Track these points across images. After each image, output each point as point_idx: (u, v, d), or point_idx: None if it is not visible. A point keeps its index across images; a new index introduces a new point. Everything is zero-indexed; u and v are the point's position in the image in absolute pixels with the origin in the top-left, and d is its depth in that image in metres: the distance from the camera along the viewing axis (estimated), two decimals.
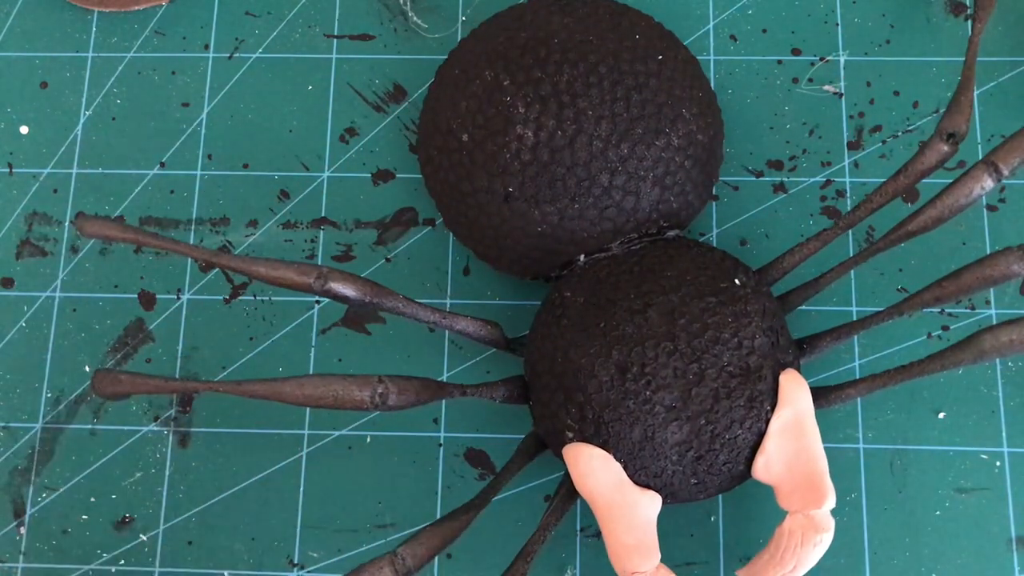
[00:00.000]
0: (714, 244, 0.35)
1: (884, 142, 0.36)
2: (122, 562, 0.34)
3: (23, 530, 0.34)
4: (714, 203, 0.36)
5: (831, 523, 0.28)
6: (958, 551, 0.32)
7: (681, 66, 0.33)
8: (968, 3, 0.37)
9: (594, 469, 0.28)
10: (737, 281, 0.30)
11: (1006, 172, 0.29)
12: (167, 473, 0.34)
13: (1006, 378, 0.33)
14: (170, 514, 0.34)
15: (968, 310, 0.34)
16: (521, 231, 0.31)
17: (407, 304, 0.30)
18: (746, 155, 0.36)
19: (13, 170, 0.37)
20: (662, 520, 0.32)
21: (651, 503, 0.29)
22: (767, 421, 0.28)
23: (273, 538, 0.33)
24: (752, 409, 0.28)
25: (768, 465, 0.29)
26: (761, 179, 0.36)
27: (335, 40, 0.38)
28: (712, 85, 0.36)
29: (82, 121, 0.37)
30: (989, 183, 0.29)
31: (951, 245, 0.35)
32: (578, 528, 0.33)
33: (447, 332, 0.35)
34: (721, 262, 0.30)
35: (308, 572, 0.33)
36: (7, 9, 0.39)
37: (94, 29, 0.38)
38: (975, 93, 0.36)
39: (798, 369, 0.29)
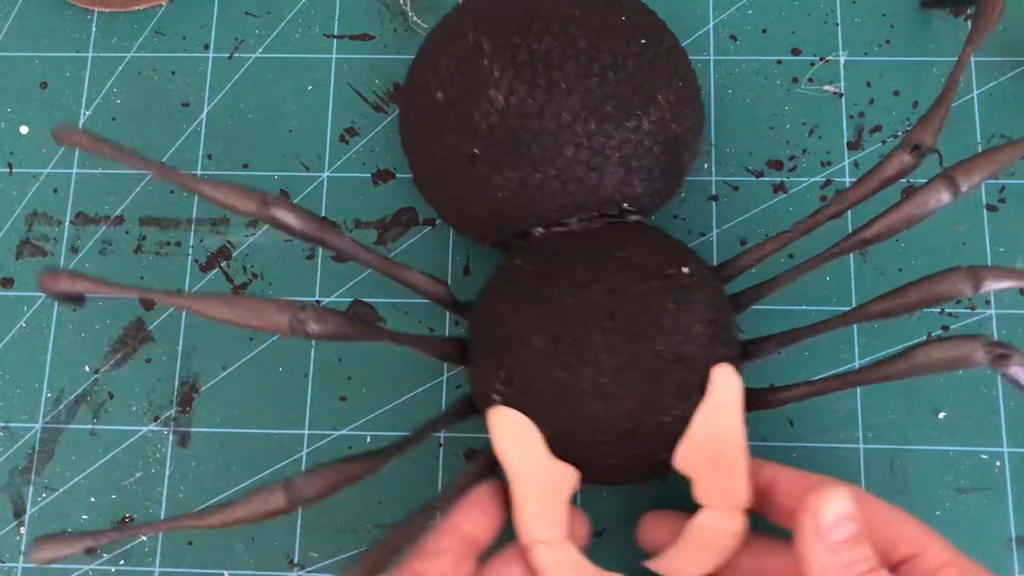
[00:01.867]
0: (714, 244, 0.35)
1: (884, 142, 0.36)
2: (122, 562, 0.34)
3: (23, 530, 0.34)
4: (714, 203, 0.36)
5: (743, 523, 0.28)
6: None
7: (664, 53, 0.33)
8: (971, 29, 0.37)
9: (514, 435, 0.28)
10: (685, 270, 0.29)
11: (964, 188, 0.29)
12: (167, 473, 0.34)
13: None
14: (170, 514, 0.34)
15: (968, 310, 0.34)
16: (483, 195, 0.31)
17: (351, 245, 0.30)
18: (746, 155, 0.36)
19: (13, 170, 0.37)
20: None
21: (567, 477, 0.28)
22: (693, 411, 0.28)
23: (273, 538, 0.33)
24: (679, 397, 0.28)
25: (689, 456, 0.28)
26: (761, 179, 0.36)
27: (335, 40, 0.38)
28: (712, 85, 0.36)
29: (82, 121, 0.37)
30: (946, 197, 0.29)
31: (951, 245, 0.35)
32: None
33: (446, 332, 0.35)
34: (673, 250, 0.30)
35: (308, 572, 0.33)
36: (7, 9, 0.39)
37: (94, 29, 0.38)
38: (974, 93, 0.36)
39: (738, 368, 0.29)
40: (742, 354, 0.30)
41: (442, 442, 0.34)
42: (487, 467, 0.30)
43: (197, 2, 0.38)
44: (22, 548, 0.34)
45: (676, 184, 0.33)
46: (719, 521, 0.28)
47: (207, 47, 0.38)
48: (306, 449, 0.34)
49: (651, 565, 0.29)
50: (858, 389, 0.33)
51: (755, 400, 0.30)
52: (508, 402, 0.28)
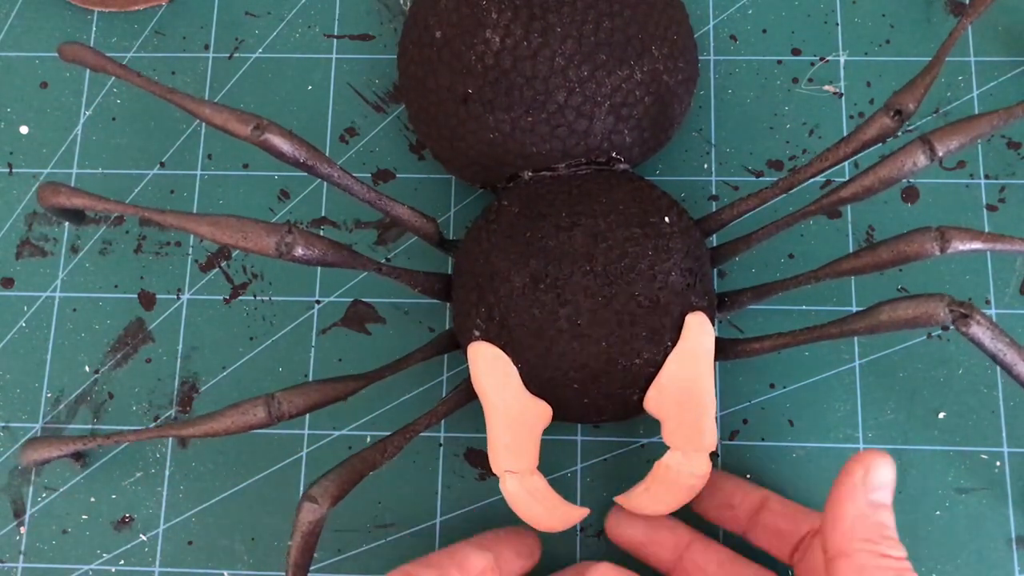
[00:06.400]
0: (714, 243, 0.35)
1: (884, 142, 0.36)
2: (122, 562, 0.34)
3: (23, 530, 0.34)
4: (714, 203, 0.36)
5: (708, 465, 0.29)
6: (958, 551, 0.32)
7: (661, 6, 0.33)
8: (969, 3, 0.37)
9: (491, 368, 0.29)
10: (667, 219, 0.30)
11: (940, 153, 0.29)
12: (167, 473, 0.34)
13: (1006, 378, 0.33)
14: (170, 514, 0.34)
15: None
16: (474, 135, 0.32)
17: (342, 175, 0.31)
18: (746, 155, 0.36)
19: (13, 170, 0.37)
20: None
21: (540, 413, 0.29)
22: (665, 356, 0.29)
23: (273, 538, 0.33)
24: (652, 341, 0.29)
25: (659, 399, 0.29)
26: (761, 179, 0.36)
27: (335, 40, 0.38)
28: (712, 85, 0.36)
29: (82, 121, 0.37)
30: (923, 160, 0.29)
31: None
32: (578, 528, 0.33)
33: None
34: (657, 200, 0.31)
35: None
36: (7, 9, 0.39)
37: (94, 29, 0.38)
38: (974, 93, 0.36)
39: (712, 317, 0.30)
40: (717, 305, 0.32)
41: (442, 442, 0.34)
42: (465, 398, 0.31)
43: (197, 2, 0.38)
44: (22, 548, 0.34)
45: (665, 136, 0.34)
46: (685, 462, 0.29)
47: (207, 47, 0.38)
48: (306, 449, 0.34)
49: (619, 500, 0.30)
50: (858, 389, 0.33)
51: (726, 350, 0.31)
52: (487, 337, 0.29)
